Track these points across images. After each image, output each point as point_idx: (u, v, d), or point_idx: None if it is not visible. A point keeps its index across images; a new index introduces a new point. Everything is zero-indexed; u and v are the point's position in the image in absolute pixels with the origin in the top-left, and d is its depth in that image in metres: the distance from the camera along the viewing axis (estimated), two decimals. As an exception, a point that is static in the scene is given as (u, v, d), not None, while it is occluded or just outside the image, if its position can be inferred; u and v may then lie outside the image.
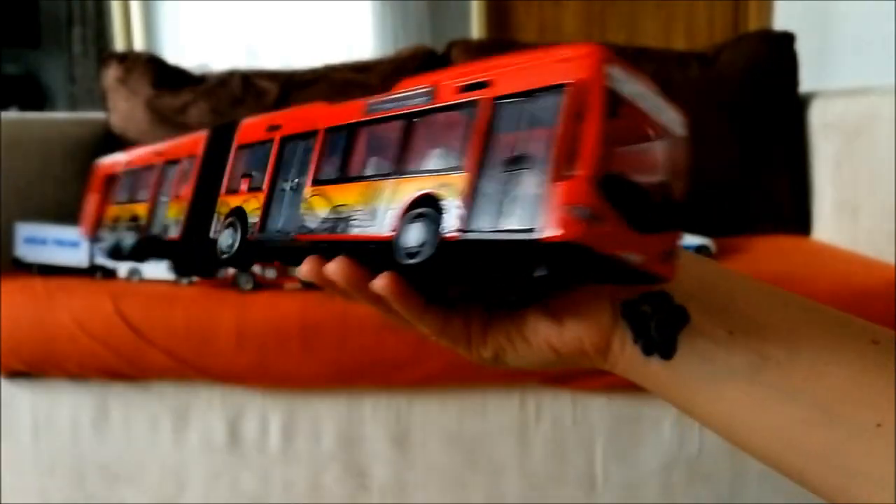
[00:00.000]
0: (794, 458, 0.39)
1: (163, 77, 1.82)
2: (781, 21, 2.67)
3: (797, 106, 1.68)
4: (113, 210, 0.62)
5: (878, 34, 1.95)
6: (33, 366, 1.27)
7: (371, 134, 0.42)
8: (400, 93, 0.41)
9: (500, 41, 2.49)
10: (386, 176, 0.39)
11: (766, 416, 0.38)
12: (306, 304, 1.22)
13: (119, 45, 3.24)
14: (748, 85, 1.71)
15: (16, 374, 1.29)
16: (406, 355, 1.19)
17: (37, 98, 3.52)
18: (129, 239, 0.58)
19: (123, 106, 1.80)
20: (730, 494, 1.24)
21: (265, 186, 0.47)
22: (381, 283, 0.37)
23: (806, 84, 1.72)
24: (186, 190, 0.53)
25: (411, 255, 0.36)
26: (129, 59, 1.84)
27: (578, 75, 0.32)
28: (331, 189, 0.42)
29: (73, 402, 1.30)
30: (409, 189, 0.37)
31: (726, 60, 1.74)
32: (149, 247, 0.57)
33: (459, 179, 0.35)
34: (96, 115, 1.86)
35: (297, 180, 0.45)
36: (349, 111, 0.44)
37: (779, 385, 0.37)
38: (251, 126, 0.51)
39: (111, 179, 0.63)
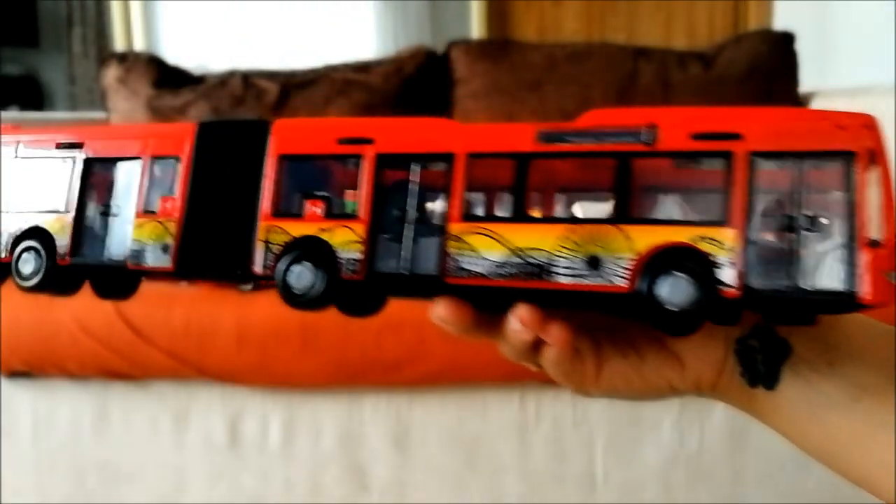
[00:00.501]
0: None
1: (163, 77, 1.82)
2: (781, 21, 2.67)
3: (797, 105, 1.68)
4: None
5: (878, 34, 1.95)
6: (33, 366, 1.27)
7: (550, 169, 0.40)
8: (599, 128, 0.38)
9: (500, 41, 2.49)
10: (604, 222, 0.37)
11: (866, 445, 0.38)
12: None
13: (119, 45, 3.24)
14: (748, 85, 1.71)
15: (16, 374, 1.29)
16: (406, 355, 1.19)
17: (37, 98, 3.53)
18: (29, 264, 0.49)
19: (123, 106, 1.80)
20: (730, 494, 1.24)
21: (364, 215, 0.41)
22: (562, 337, 0.37)
23: (806, 84, 1.72)
24: (171, 203, 0.46)
25: (676, 308, 0.35)
26: (129, 59, 1.84)
27: (865, 144, 0.34)
28: (502, 228, 0.39)
29: (73, 402, 1.30)
30: (648, 238, 0.36)
31: (726, 60, 1.74)
32: (72, 276, 0.50)
33: (725, 233, 0.35)
34: (96, 115, 1.86)
35: (421, 211, 0.41)
36: (505, 137, 0.40)
37: (877, 414, 0.38)
38: (304, 132, 0.45)
39: None
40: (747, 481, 1.23)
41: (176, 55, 2.18)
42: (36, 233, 0.49)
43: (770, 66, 1.72)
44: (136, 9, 3.26)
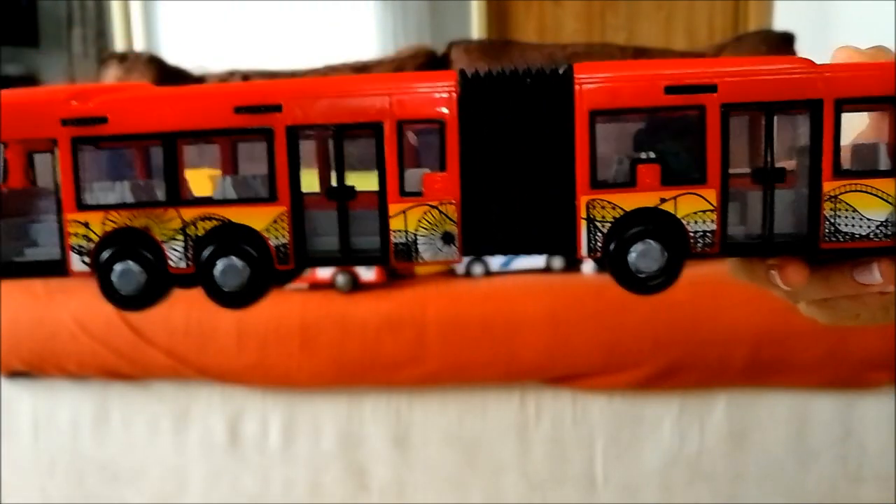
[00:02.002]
0: None
1: (163, 77, 1.82)
2: (781, 21, 2.67)
3: (797, 106, 1.68)
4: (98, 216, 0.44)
5: (878, 34, 1.95)
6: (33, 366, 1.27)
7: None
8: None
9: (500, 41, 2.49)
10: None
11: None
12: (306, 304, 1.22)
13: (119, 45, 3.24)
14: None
15: (16, 374, 1.29)
16: (406, 355, 1.19)
17: (37, 98, 3.52)
18: (232, 274, 0.41)
19: (123, 106, 1.80)
20: (730, 494, 1.24)
21: (713, 177, 0.36)
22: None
23: (806, 84, 1.72)
24: (441, 181, 0.37)
25: None
26: (129, 59, 1.84)
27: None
28: (877, 183, 0.35)
29: (73, 402, 1.30)
30: None
31: (726, 60, 1.74)
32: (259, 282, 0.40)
33: None
34: (96, 115, 1.86)
35: (777, 171, 0.36)
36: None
37: None
38: (621, 81, 0.37)
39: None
40: (747, 481, 1.23)
41: (176, 55, 2.18)
42: (232, 233, 0.41)
43: (770, 66, 1.72)
44: (136, 9, 3.26)
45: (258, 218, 0.41)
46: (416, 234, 0.38)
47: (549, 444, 1.24)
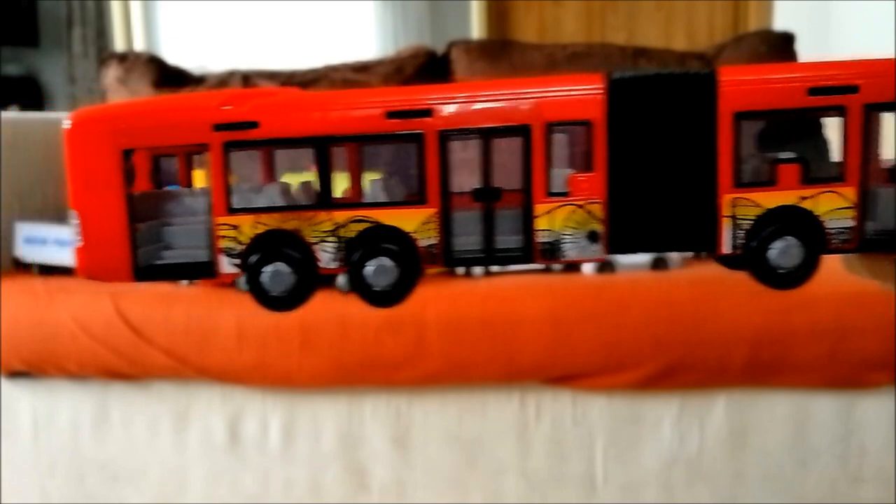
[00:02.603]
0: None
1: (163, 77, 1.81)
2: (781, 21, 2.67)
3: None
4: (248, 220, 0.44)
5: (878, 34, 1.95)
6: (33, 366, 1.27)
7: None
8: None
9: (500, 41, 2.49)
10: None
11: None
12: (306, 304, 1.22)
13: (119, 45, 3.24)
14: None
15: (16, 374, 1.29)
16: (406, 355, 1.19)
17: (37, 98, 3.52)
18: (383, 274, 0.42)
19: (123, 106, 1.80)
20: (730, 494, 1.24)
21: (853, 175, 0.36)
22: None
23: (806, 84, 1.72)
24: (587, 181, 0.38)
25: None
26: (129, 59, 1.84)
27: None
28: None
29: (73, 402, 1.30)
30: None
31: (726, 60, 1.74)
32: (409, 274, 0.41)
33: None
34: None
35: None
36: None
37: None
38: (763, 84, 0.37)
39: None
40: (747, 481, 1.23)
41: (176, 55, 2.18)
42: (382, 234, 0.42)
43: (770, 67, 1.72)
44: (136, 9, 3.26)
45: (408, 220, 0.42)
46: (562, 233, 0.39)
47: (549, 444, 1.24)
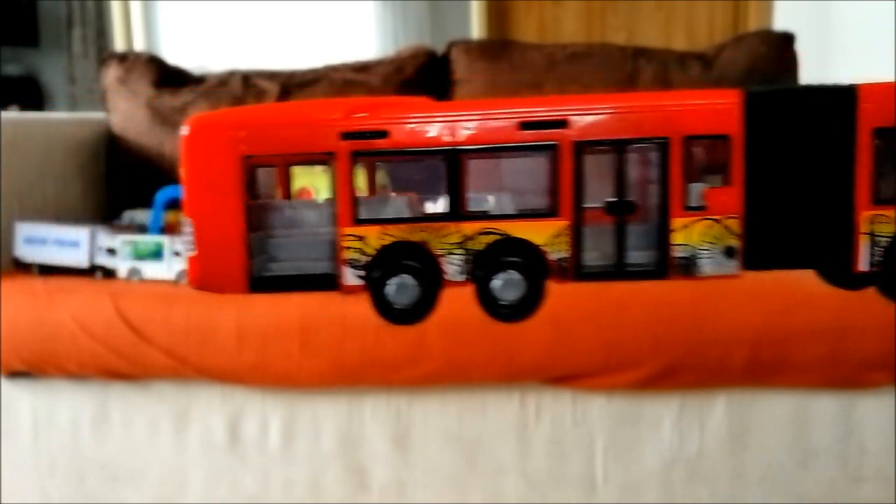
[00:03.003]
0: None
1: (163, 77, 1.81)
2: (781, 21, 2.67)
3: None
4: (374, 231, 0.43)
5: (878, 34, 1.95)
6: (33, 366, 1.27)
7: None
8: None
9: (500, 41, 2.48)
10: None
11: None
12: (306, 304, 1.22)
13: (119, 45, 3.24)
14: (748, 85, 1.71)
15: (16, 374, 1.29)
16: (406, 355, 1.19)
17: (37, 98, 3.52)
18: (511, 287, 0.41)
19: (123, 106, 1.80)
20: (730, 494, 1.24)
21: None
22: None
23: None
24: (725, 195, 0.37)
25: None
26: (129, 59, 1.84)
27: None
28: None
29: (73, 402, 1.30)
30: None
31: (726, 60, 1.74)
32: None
33: None
34: (96, 115, 1.86)
35: None
36: None
37: None
38: None
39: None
40: (747, 481, 1.23)
41: (176, 55, 2.18)
42: (511, 247, 0.40)
43: (770, 67, 1.72)
44: (136, 9, 3.26)
45: (538, 232, 0.41)
46: (698, 248, 0.39)
47: (549, 444, 1.24)
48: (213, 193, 0.43)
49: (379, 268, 0.41)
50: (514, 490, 1.26)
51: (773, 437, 1.22)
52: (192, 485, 1.30)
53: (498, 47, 1.88)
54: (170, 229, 1.48)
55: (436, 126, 0.41)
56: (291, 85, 1.78)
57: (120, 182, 1.78)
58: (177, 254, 1.36)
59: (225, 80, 1.80)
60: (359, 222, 0.43)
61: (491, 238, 0.42)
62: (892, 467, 1.21)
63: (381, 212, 0.43)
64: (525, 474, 1.26)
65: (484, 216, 0.42)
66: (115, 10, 3.26)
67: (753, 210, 0.38)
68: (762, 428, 1.22)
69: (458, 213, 0.42)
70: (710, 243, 0.39)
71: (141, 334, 1.22)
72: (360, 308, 1.22)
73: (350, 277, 0.42)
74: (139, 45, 3.24)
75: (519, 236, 0.42)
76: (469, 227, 0.42)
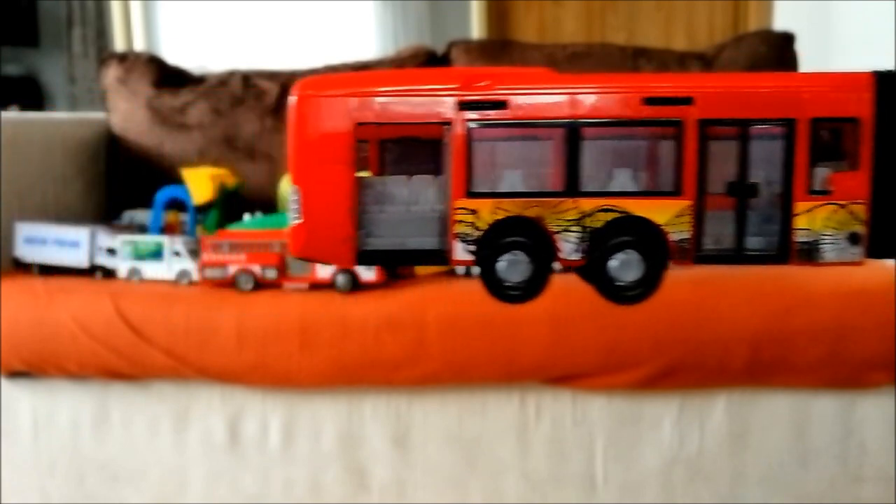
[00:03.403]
0: None
1: (163, 77, 1.81)
2: (781, 21, 2.67)
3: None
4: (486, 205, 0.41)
5: (878, 34, 1.95)
6: (33, 366, 1.27)
7: None
8: None
9: (500, 41, 2.49)
10: None
11: None
12: (306, 304, 1.22)
13: (119, 45, 3.24)
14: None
15: (16, 374, 1.29)
16: (406, 355, 1.19)
17: (37, 98, 3.52)
18: (629, 268, 0.39)
19: (123, 106, 1.80)
20: (730, 494, 1.24)
21: None
22: None
23: (806, 84, 1.72)
24: (851, 180, 0.36)
25: None
26: (129, 59, 1.84)
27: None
28: None
29: (73, 402, 1.30)
30: None
31: (726, 60, 1.74)
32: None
33: None
34: (96, 115, 1.86)
35: None
36: None
37: None
38: None
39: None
40: (747, 481, 1.23)
41: (176, 55, 2.18)
42: (631, 225, 0.39)
43: (770, 67, 1.72)
44: (136, 9, 3.26)
45: (661, 211, 0.40)
46: (821, 234, 0.37)
47: (549, 444, 1.24)
48: (323, 161, 0.42)
49: (490, 243, 0.40)
50: (514, 490, 1.26)
51: (773, 437, 1.22)
52: (192, 485, 1.30)
53: (498, 47, 1.88)
54: (170, 229, 1.48)
55: (556, 98, 0.40)
56: (291, 85, 1.78)
57: (120, 182, 1.78)
58: (177, 254, 1.35)
59: (225, 80, 1.80)
60: (472, 195, 0.41)
61: (610, 216, 0.40)
62: (892, 467, 1.21)
63: (496, 185, 0.41)
64: (525, 474, 1.26)
65: (603, 193, 0.41)
66: (115, 10, 3.26)
67: (880, 196, 0.37)
68: (762, 428, 1.22)
69: (575, 188, 0.41)
70: (834, 229, 0.38)
71: (141, 334, 1.22)
72: (360, 308, 1.23)
73: (460, 252, 0.41)
74: (139, 45, 3.24)
75: (640, 215, 0.40)
76: (587, 204, 0.41)
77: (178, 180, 1.50)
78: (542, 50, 1.83)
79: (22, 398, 1.31)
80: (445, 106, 0.40)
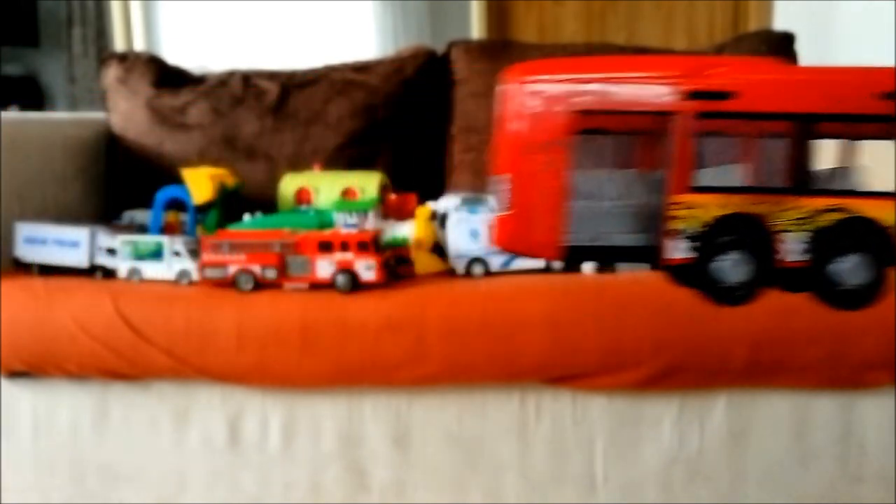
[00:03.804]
0: None
1: (163, 77, 1.81)
2: (781, 21, 2.67)
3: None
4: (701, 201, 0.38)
5: (879, 34, 1.95)
6: (33, 366, 1.27)
7: None
8: None
9: (500, 41, 2.49)
10: None
11: None
12: (306, 304, 1.22)
13: (119, 45, 3.24)
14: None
15: (16, 374, 1.29)
16: (406, 355, 1.19)
17: (37, 98, 3.52)
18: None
19: (123, 106, 1.80)
20: (730, 494, 1.24)
21: None
22: None
23: (806, 84, 1.72)
24: None
25: None
26: (129, 59, 1.84)
27: None
28: None
29: (73, 402, 1.30)
30: None
31: (726, 60, 1.74)
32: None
33: None
34: (96, 115, 1.86)
35: None
36: None
37: None
38: None
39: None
40: (747, 481, 1.23)
41: (176, 55, 2.18)
42: (859, 226, 0.36)
43: (770, 67, 1.72)
44: (136, 9, 3.26)
45: (890, 212, 0.37)
46: None
47: (549, 444, 1.24)
48: (538, 151, 0.40)
49: (714, 240, 0.38)
50: (514, 490, 1.26)
51: (773, 437, 1.22)
52: (191, 485, 1.30)
53: (498, 47, 1.88)
54: (170, 229, 1.48)
55: (789, 90, 0.38)
56: (291, 85, 1.78)
57: (120, 182, 1.78)
58: (177, 254, 1.35)
59: (225, 80, 1.80)
60: (695, 190, 0.39)
61: (838, 216, 0.38)
62: (892, 467, 1.21)
63: (720, 180, 0.39)
64: (525, 474, 1.26)
65: (829, 191, 0.39)
66: (115, 10, 3.26)
67: None
68: (762, 428, 1.22)
69: (803, 186, 0.39)
70: None
71: (141, 334, 1.22)
72: (361, 309, 1.23)
73: (674, 250, 0.38)
74: (139, 45, 3.24)
75: (868, 216, 0.38)
76: (814, 203, 0.38)
77: (178, 180, 1.50)
78: (542, 50, 1.83)
79: (22, 398, 1.31)
80: (672, 94, 0.38)
